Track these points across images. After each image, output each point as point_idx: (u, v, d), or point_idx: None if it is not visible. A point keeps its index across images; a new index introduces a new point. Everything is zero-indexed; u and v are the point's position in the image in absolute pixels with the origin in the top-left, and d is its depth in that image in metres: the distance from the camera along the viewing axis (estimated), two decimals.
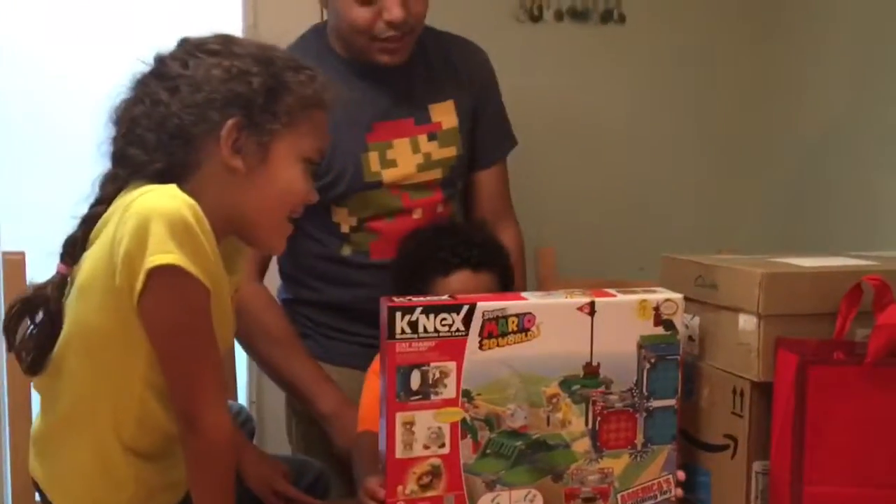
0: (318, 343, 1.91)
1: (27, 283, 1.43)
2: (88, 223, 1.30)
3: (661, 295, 1.38)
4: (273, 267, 1.94)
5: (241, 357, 1.93)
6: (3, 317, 1.35)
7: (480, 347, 1.30)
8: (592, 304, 1.34)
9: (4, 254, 1.78)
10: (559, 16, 2.43)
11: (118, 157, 1.33)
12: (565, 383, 1.34)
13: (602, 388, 1.36)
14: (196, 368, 1.26)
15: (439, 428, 1.30)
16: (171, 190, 1.24)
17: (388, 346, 1.27)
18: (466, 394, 1.30)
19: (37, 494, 1.43)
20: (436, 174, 1.88)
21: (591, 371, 1.35)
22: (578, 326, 1.34)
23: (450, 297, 1.35)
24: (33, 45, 2.16)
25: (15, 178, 2.18)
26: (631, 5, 2.46)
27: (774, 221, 2.53)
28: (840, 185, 2.32)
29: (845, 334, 1.33)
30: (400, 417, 1.29)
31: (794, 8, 2.47)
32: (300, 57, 1.41)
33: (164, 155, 1.29)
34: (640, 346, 1.37)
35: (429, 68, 1.89)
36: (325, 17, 1.91)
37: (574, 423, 1.35)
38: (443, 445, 1.31)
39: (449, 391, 1.30)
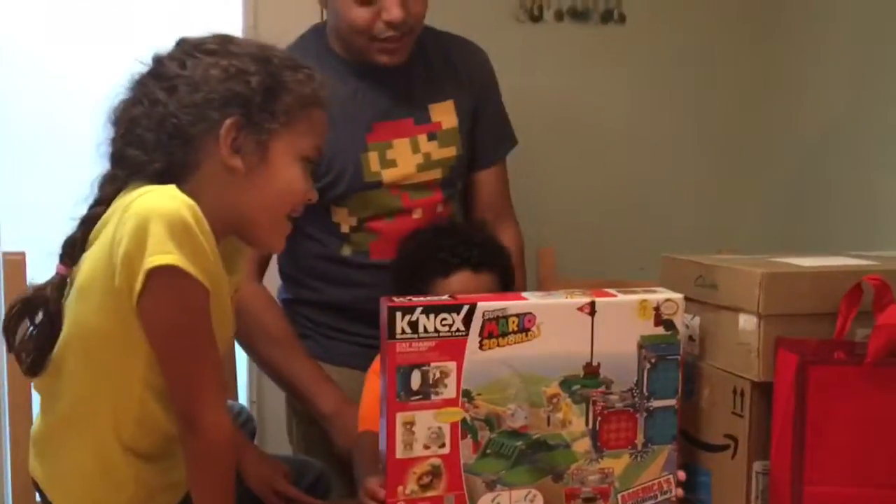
0: (318, 343, 1.91)
1: (27, 283, 1.43)
2: (87, 224, 1.30)
3: (661, 295, 1.38)
4: (273, 267, 1.95)
5: (241, 357, 1.93)
6: (2, 317, 1.35)
7: (481, 347, 1.30)
8: (593, 304, 1.34)
9: (4, 254, 1.78)
10: (559, 16, 2.43)
11: (117, 157, 1.33)
12: (566, 383, 1.34)
13: (602, 388, 1.36)
14: (195, 369, 1.26)
15: (439, 428, 1.30)
16: (171, 190, 1.24)
17: (388, 346, 1.27)
18: (467, 394, 1.30)
19: (37, 494, 1.43)
20: (436, 174, 1.88)
21: (591, 371, 1.35)
22: (579, 326, 1.34)
23: (450, 297, 1.35)
24: (33, 45, 2.16)
25: (15, 178, 2.18)
26: (631, 5, 2.46)
27: (774, 221, 2.53)
28: (840, 185, 2.32)
29: (845, 334, 1.33)
30: (400, 417, 1.29)
31: (794, 8, 2.47)
32: (298, 56, 1.41)
33: (163, 155, 1.29)
34: (640, 346, 1.37)
35: (428, 68, 1.89)
36: (325, 18, 1.91)
37: (574, 423, 1.35)
38: (443, 445, 1.31)
39: (449, 391, 1.30)
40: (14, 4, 2.17)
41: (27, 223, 2.09)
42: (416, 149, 1.86)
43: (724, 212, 2.58)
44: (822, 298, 1.35)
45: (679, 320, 1.38)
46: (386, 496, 1.31)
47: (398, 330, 1.27)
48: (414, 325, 1.27)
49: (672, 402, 1.39)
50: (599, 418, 1.36)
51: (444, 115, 1.89)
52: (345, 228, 1.85)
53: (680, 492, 1.42)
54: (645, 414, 1.38)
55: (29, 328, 1.33)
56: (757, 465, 1.38)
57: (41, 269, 1.39)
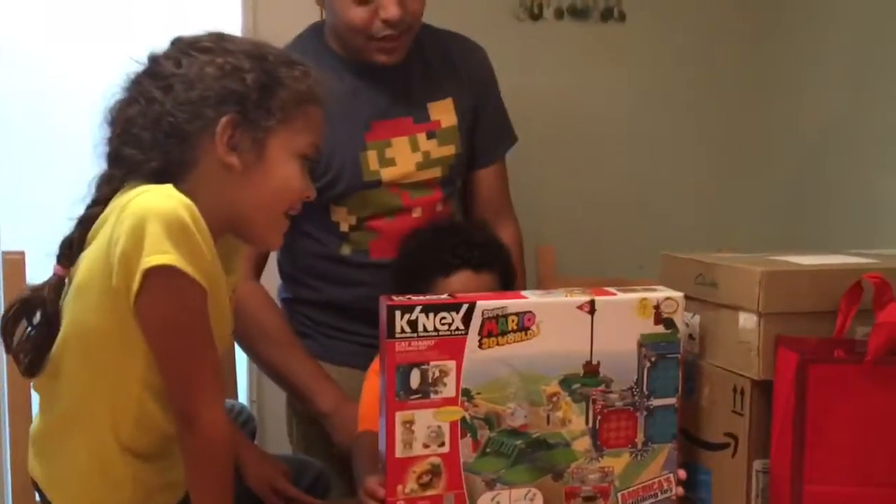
0: (318, 342, 1.91)
1: (27, 283, 1.43)
2: (85, 224, 1.30)
3: (661, 293, 1.38)
4: (273, 266, 1.94)
5: (241, 357, 1.93)
6: (1, 318, 1.35)
7: (480, 346, 1.30)
8: (592, 302, 1.34)
9: (4, 254, 1.78)
10: (559, 14, 2.43)
11: (114, 157, 1.33)
12: (565, 382, 1.34)
13: (602, 387, 1.36)
14: (193, 368, 1.26)
15: (439, 427, 1.30)
16: (168, 190, 1.24)
17: (387, 345, 1.27)
18: (466, 393, 1.30)
19: (36, 494, 1.43)
20: (435, 173, 1.87)
21: (591, 370, 1.35)
22: (578, 325, 1.34)
23: (449, 295, 1.35)
24: (33, 45, 2.16)
25: (15, 178, 2.18)
26: (631, 4, 2.46)
27: (774, 221, 2.53)
28: (840, 185, 2.32)
29: (845, 332, 1.33)
30: (399, 416, 1.29)
31: (794, 8, 2.47)
32: (295, 54, 1.41)
33: (160, 154, 1.29)
34: (640, 345, 1.36)
35: (427, 66, 1.89)
36: (324, 17, 1.91)
37: (574, 421, 1.35)
38: (442, 444, 1.31)
39: (448, 390, 1.30)
40: (14, 4, 2.17)
41: (27, 223, 2.09)
42: (415, 147, 1.86)
43: (723, 211, 2.58)
44: (822, 296, 1.35)
45: (679, 319, 1.38)
46: (385, 495, 1.31)
47: (397, 329, 1.27)
48: (413, 324, 1.27)
49: (672, 400, 1.39)
50: (599, 417, 1.36)
51: (443, 113, 1.89)
52: (344, 227, 1.85)
53: (680, 490, 1.42)
54: (645, 412, 1.38)
55: (27, 329, 1.33)
56: (757, 464, 1.38)
57: (41, 269, 1.38)
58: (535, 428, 1.34)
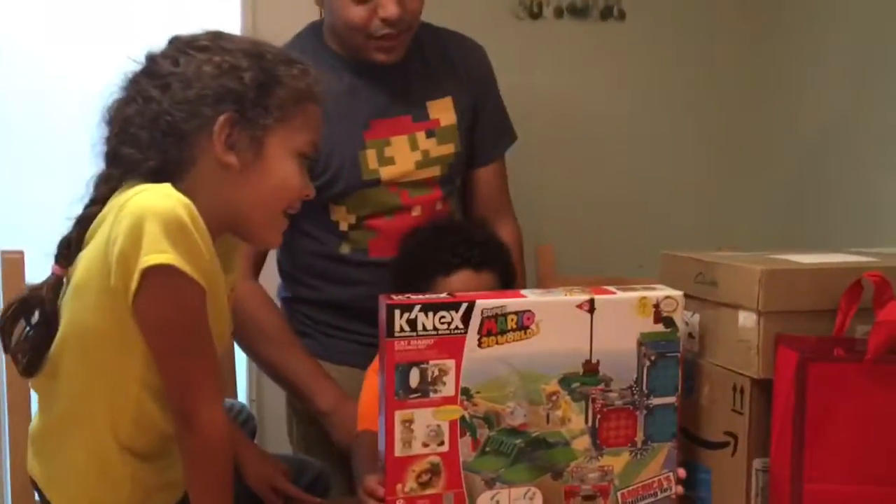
0: (317, 341, 1.91)
1: (25, 282, 1.42)
2: (83, 224, 1.30)
3: (660, 292, 1.38)
4: (272, 265, 1.94)
5: (240, 356, 1.93)
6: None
7: (479, 345, 1.30)
8: (592, 301, 1.34)
9: (4, 253, 1.78)
10: (559, 13, 2.43)
11: (112, 156, 1.33)
12: (565, 381, 1.34)
13: (602, 386, 1.35)
14: (192, 367, 1.26)
15: (438, 426, 1.30)
16: (166, 189, 1.24)
17: (386, 343, 1.27)
18: (465, 391, 1.30)
19: (35, 494, 1.43)
20: (434, 171, 1.87)
21: (590, 368, 1.35)
22: (578, 324, 1.33)
23: (449, 294, 1.35)
24: (33, 45, 2.16)
25: (15, 178, 2.18)
26: (631, 3, 2.46)
27: (774, 221, 2.53)
28: (840, 185, 2.32)
29: (845, 331, 1.33)
30: (399, 415, 1.28)
31: (794, 8, 2.46)
32: (293, 52, 1.40)
33: (158, 153, 1.29)
34: (639, 344, 1.36)
35: (426, 65, 1.89)
36: (323, 16, 1.91)
37: (574, 420, 1.35)
38: (442, 443, 1.30)
39: (448, 389, 1.29)
40: (14, 4, 2.17)
41: (26, 222, 2.09)
42: (414, 146, 1.85)
43: (723, 210, 2.58)
44: (821, 295, 1.35)
45: (679, 317, 1.38)
46: (385, 494, 1.31)
47: (397, 328, 1.27)
48: (412, 323, 1.27)
49: (672, 399, 1.39)
50: (599, 416, 1.36)
51: (443, 111, 1.89)
52: (343, 226, 1.85)
53: (680, 489, 1.42)
54: (645, 411, 1.38)
55: (25, 328, 1.33)
56: (757, 463, 1.38)
57: (40, 269, 1.38)
58: (534, 427, 1.34)
